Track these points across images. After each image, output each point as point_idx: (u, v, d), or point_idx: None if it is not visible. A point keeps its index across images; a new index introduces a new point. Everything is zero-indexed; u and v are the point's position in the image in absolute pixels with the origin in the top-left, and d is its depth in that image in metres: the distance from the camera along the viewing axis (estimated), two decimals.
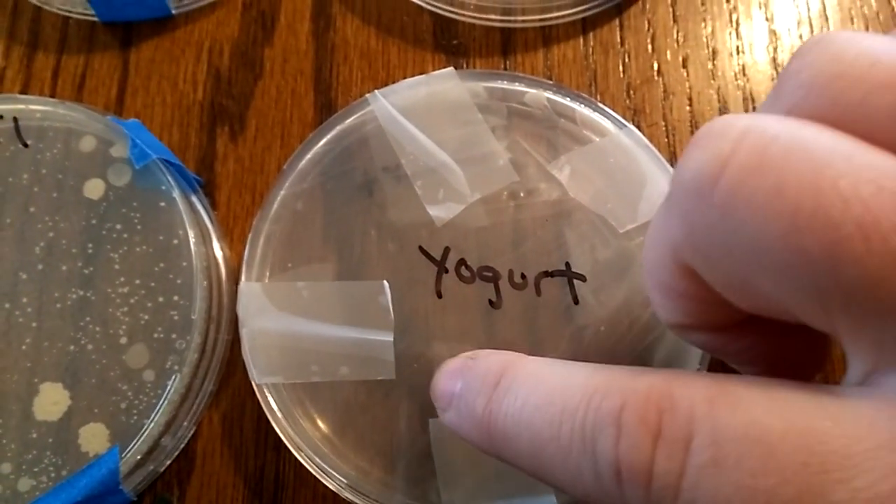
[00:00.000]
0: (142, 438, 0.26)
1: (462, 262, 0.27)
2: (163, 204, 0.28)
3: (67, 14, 0.33)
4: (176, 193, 0.28)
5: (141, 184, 0.29)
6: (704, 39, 0.32)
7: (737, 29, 0.33)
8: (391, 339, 0.26)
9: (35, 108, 0.30)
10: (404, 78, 0.30)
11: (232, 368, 0.28)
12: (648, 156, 0.28)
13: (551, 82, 0.30)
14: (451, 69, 0.29)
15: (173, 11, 0.33)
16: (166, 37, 0.33)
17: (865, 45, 0.15)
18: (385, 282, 0.27)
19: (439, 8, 0.32)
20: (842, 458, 0.13)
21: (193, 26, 0.33)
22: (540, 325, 0.27)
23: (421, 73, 0.30)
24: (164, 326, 0.27)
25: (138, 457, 0.26)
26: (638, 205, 0.27)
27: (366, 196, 0.28)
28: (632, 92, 0.31)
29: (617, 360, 0.26)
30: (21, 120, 0.30)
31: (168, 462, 0.27)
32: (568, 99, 0.29)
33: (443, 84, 0.29)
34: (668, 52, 0.32)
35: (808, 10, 0.33)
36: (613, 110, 0.29)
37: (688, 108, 0.31)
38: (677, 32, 0.32)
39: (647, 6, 0.33)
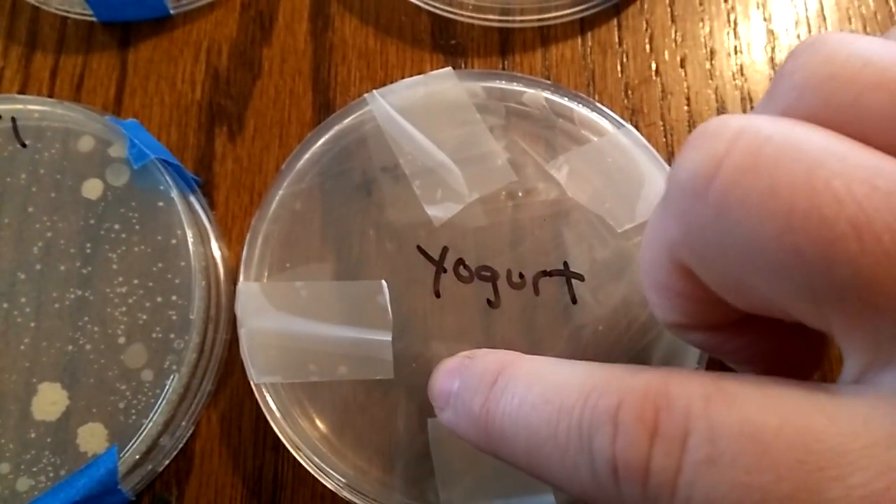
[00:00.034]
0: (140, 438, 0.26)
1: (460, 261, 0.27)
2: (161, 204, 0.28)
3: (66, 14, 0.33)
4: (174, 193, 0.28)
5: (139, 184, 0.29)
6: (702, 39, 0.32)
7: (735, 29, 0.33)
8: (389, 338, 0.26)
9: (33, 108, 0.30)
10: (402, 78, 0.30)
11: (230, 368, 0.28)
12: (646, 155, 0.28)
13: (549, 82, 0.30)
14: (449, 69, 0.30)
15: (171, 11, 0.33)
16: (164, 37, 0.33)
17: (857, 47, 0.15)
18: (383, 281, 0.27)
19: (437, 8, 0.32)
20: (837, 455, 0.13)
21: (192, 26, 0.33)
22: (538, 324, 0.27)
23: (419, 73, 0.30)
24: (162, 326, 0.27)
25: (137, 456, 0.26)
26: (636, 204, 0.27)
27: (364, 196, 0.28)
28: (630, 92, 0.31)
29: (615, 359, 0.26)
30: (19, 120, 0.30)
31: (166, 462, 0.27)
32: (566, 99, 0.29)
33: (441, 84, 0.29)
34: (666, 52, 0.32)
35: (806, 9, 0.33)
36: (611, 110, 0.29)
37: (686, 107, 0.31)
38: (675, 32, 0.33)
39: (645, 6, 0.33)
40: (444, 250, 0.27)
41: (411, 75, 0.30)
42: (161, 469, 0.27)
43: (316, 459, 0.25)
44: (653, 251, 0.18)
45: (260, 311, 0.26)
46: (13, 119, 0.30)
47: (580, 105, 0.29)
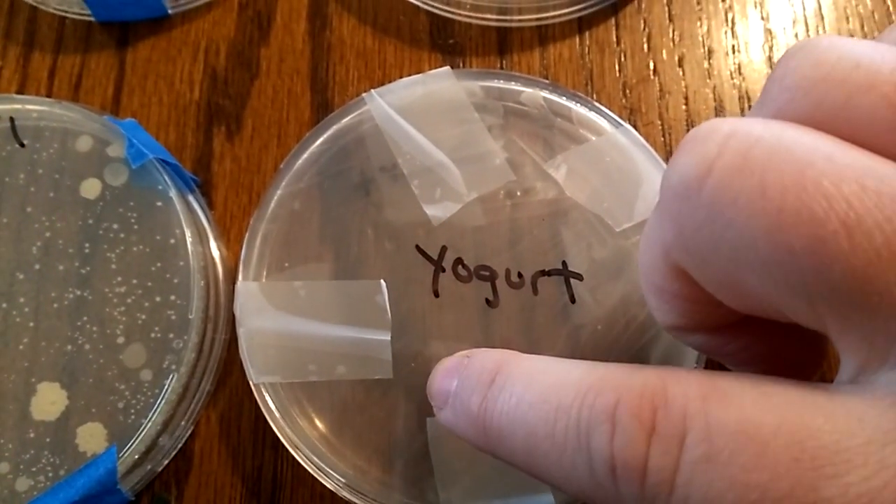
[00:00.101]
0: (139, 438, 0.26)
1: (459, 261, 0.27)
2: (159, 203, 0.28)
3: (64, 14, 0.33)
4: (172, 193, 0.28)
5: (137, 183, 0.29)
6: (700, 39, 0.32)
7: (732, 28, 0.33)
8: (388, 338, 0.26)
9: (31, 107, 0.30)
10: (401, 77, 0.30)
11: (229, 368, 0.28)
12: (644, 155, 0.28)
13: (548, 81, 0.30)
14: (447, 68, 0.30)
15: (170, 11, 0.33)
16: (163, 36, 0.33)
17: (847, 49, 0.16)
18: (382, 281, 0.27)
19: (435, 7, 0.32)
20: (833, 453, 0.13)
21: (190, 26, 0.33)
22: (537, 323, 0.27)
23: (417, 73, 0.30)
24: (161, 326, 0.27)
25: (136, 456, 0.26)
26: (634, 204, 0.27)
27: (363, 195, 0.28)
28: (628, 91, 0.31)
29: (614, 358, 0.26)
30: (17, 120, 0.30)
31: (166, 462, 0.27)
32: (564, 98, 0.29)
33: (439, 83, 0.29)
34: (664, 52, 0.32)
35: (804, 9, 0.33)
36: (610, 109, 0.29)
37: (684, 107, 0.31)
38: (673, 32, 0.33)
39: (643, 5, 0.33)
40: (443, 250, 0.28)
41: (409, 75, 0.30)
42: (160, 469, 0.27)
43: (315, 459, 0.25)
44: (649, 254, 0.18)
45: (259, 311, 0.26)
46: (11, 119, 0.30)
47: (578, 104, 0.29)
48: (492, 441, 0.19)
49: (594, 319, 0.27)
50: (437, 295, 0.27)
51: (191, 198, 0.29)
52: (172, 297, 0.27)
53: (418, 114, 0.29)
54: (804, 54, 0.16)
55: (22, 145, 0.29)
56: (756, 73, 0.32)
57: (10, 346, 0.27)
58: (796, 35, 0.32)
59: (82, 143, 0.29)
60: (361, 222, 0.28)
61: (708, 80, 0.32)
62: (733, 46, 0.32)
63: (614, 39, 0.32)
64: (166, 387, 0.26)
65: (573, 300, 0.27)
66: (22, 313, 0.27)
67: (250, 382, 0.26)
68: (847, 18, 0.33)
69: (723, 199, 0.15)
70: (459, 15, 0.32)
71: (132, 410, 0.26)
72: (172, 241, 0.28)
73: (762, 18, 0.33)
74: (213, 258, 0.29)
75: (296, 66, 0.32)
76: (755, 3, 0.33)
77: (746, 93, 0.31)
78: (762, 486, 0.14)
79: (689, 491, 0.15)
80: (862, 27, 0.32)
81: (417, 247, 0.28)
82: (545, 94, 0.29)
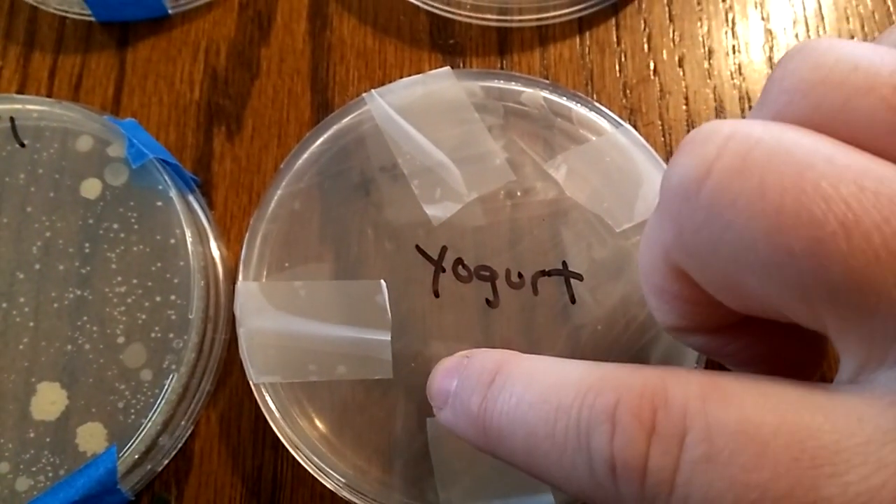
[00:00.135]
0: (139, 438, 0.26)
1: (459, 261, 0.27)
2: (160, 203, 0.28)
3: (64, 14, 0.33)
4: (173, 193, 0.28)
5: (138, 183, 0.29)
6: (700, 39, 0.32)
7: (733, 28, 0.33)
8: (388, 338, 0.26)
9: (32, 107, 0.30)
10: (401, 77, 0.30)
11: (229, 368, 0.28)
12: (645, 155, 0.28)
13: (548, 81, 0.30)
14: (447, 68, 0.30)
15: (170, 11, 0.33)
16: (163, 36, 0.33)
17: (846, 51, 0.16)
18: (382, 281, 0.27)
19: (436, 7, 0.32)
20: (832, 453, 0.13)
21: (190, 26, 0.33)
22: (537, 324, 0.27)
23: (417, 73, 0.30)
24: (161, 326, 0.27)
25: (136, 456, 0.26)
26: (634, 204, 0.27)
27: (363, 195, 0.28)
28: (628, 91, 0.31)
29: (614, 358, 0.26)
30: (18, 120, 0.30)
31: (166, 461, 0.27)
32: (564, 98, 0.29)
33: (439, 83, 0.29)
34: (665, 52, 0.32)
35: (804, 9, 0.33)
36: (610, 109, 0.29)
37: (684, 107, 0.31)
38: (673, 32, 0.33)
39: (644, 6, 0.33)
40: (443, 250, 0.28)
41: (409, 75, 0.30)
42: (160, 469, 0.27)
43: (315, 459, 0.25)
44: (649, 255, 0.18)
45: (259, 311, 0.26)
46: (12, 119, 0.30)
47: (578, 104, 0.29)
48: (492, 441, 0.19)
49: (594, 320, 0.27)
50: (437, 295, 0.27)
51: (191, 198, 0.29)
52: (172, 297, 0.27)
53: (418, 114, 0.29)
54: (803, 56, 0.16)
55: (22, 145, 0.29)
56: (756, 74, 0.32)
57: (10, 346, 0.27)
58: (797, 35, 0.32)
59: (82, 143, 0.30)
60: (361, 222, 0.28)
61: (708, 81, 0.32)
62: (734, 47, 0.32)
63: (615, 39, 0.32)
64: (166, 387, 0.26)
65: (573, 300, 0.27)
66: (22, 313, 0.27)
67: (250, 382, 0.26)
68: (847, 19, 0.33)
69: (722, 201, 0.15)
70: (460, 15, 0.32)
71: (132, 410, 0.26)
72: (173, 240, 0.28)
73: (762, 19, 0.33)
74: (213, 258, 0.29)
75: (296, 66, 0.32)
76: (755, 3, 0.33)
77: (747, 93, 0.31)
78: (762, 485, 0.14)
79: (690, 490, 0.15)
80: (862, 27, 0.32)
81: (417, 247, 0.28)
82: (545, 94, 0.29)
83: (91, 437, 0.26)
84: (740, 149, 0.15)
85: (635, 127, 0.30)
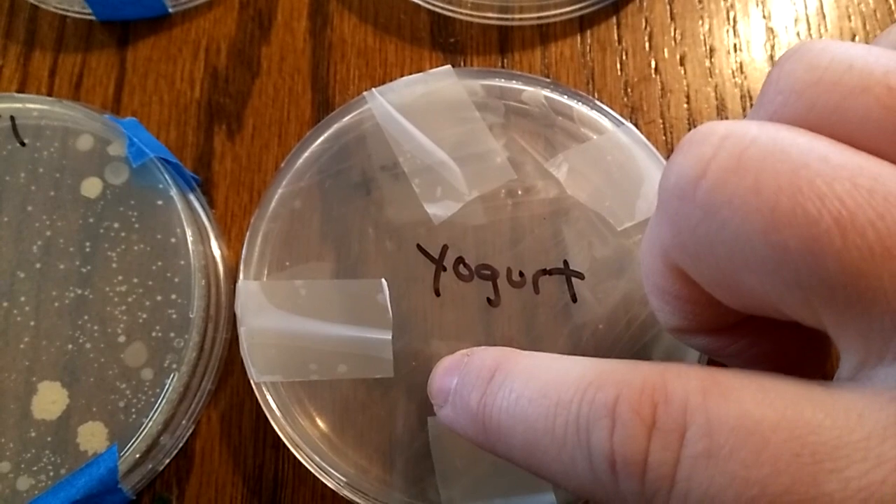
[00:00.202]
0: (140, 437, 0.26)
1: (460, 260, 0.27)
2: (160, 202, 0.28)
3: (64, 13, 0.33)
4: (173, 192, 0.28)
5: (138, 182, 0.29)
6: (702, 37, 0.32)
7: (734, 27, 0.33)
8: (389, 337, 0.26)
9: (32, 106, 0.30)
10: (402, 76, 0.30)
11: (230, 367, 0.28)
12: (646, 153, 0.28)
13: (549, 80, 0.30)
14: (448, 67, 0.29)
15: (170, 10, 0.33)
16: (163, 35, 0.33)
17: (840, 52, 0.16)
18: (383, 280, 0.27)
19: (436, 6, 0.32)
20: (833, 448, 0.13)
21: (190, 25, 0.33)
22: (538, 323, 0.27)
23: (418, 71, 0.30)
24: (162, 325, 0.27)
25: (137, 455, 0.26)
26: (636, 202, 0.27)
27: (363, 194, 0.28)
28: (629, 89, 0.31)
29: (615, 357, 0.26)
30: (18, 119, 0.30)
31: (167, 461, 0.27)
32: (565, 97, 0.29)
33: (440, 82, 0.29)
34: (666, 50, 0.32)
35: (806, 7, 0.33)
36: (611, 108, 0.29)
37: (685, 105, 0.31)
38: (675, 30, 0.32)
39: (645, 4, 0.33)
40: (444, 249, 0.27)
41: (410, 73, 0.30)
42: (161, 468, 0.27)
43: (316, 458, 0.25)
44: (650, 255, 0.18)
45: (260, 310, 0.26)
46: (12, 118, 0.30)
47: (579, 103, 0.29)
48: (491, 437, 0.19)
49: (596, 318, 0.27)
50: (438, 294, 0.27)
51: (191, 197, 0.29)
52: (173, 296, 0.27)
53: (419, 112, 0.29)
54: (798, 57, 0.16)
55: (23, 144, 0.29)
56: (758, 72, 0.32)
57: (10, 345, 0.27)
58: (798, 34, 0.32)
59: (83, 142, 0.29)
60: (362, 221, 0.28)
61: (709, 79, 0.32)
62: (735, 45, 0.32)
63: (616, 38, 0.32)
64: (167, 386, 0.26)
65: (574, 299, 0.27)
66: (23, 312, 0.27)
67: (251, 381, 0.26)
68: (849, 17, 0.33)
69: (718, 199, 0.15)
70: (460, 14, 0.32)
71: (133, 409, 0.26)
72: (173, 239, 0.28)
73: (764, 17, 0.33)
74: (213, 257, 0.29)
75: (297, 65, 0.32)
76: (757, 1, 0.33)
77: (748, 91, 0.31)
78: (762, 481, 0.14)
79: (690, 486, 0.15)
80: (864, 25, 0.32)
81: (418, 246, 0.28)
82: (546, 92, 0.29)
83: (92, 437, 0.26)
84: (736, 148, 0.15)
85: (636, 125, 0.30)
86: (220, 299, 0.28)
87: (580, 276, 0.27)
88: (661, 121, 0.31)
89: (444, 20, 0.33)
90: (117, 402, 0.26)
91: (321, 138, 0.29)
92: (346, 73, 0.32)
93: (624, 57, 0.32)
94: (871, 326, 0.14)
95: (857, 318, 0.14)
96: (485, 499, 0.25)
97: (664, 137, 0.31)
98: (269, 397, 0.26)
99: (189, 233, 0.28)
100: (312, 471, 0.25)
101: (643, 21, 0.33)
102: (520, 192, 0.28)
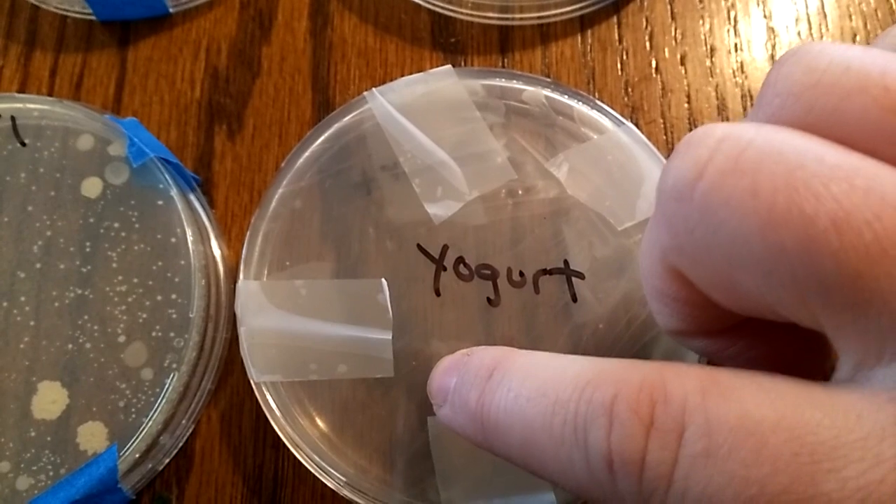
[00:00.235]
0: (140, 437, 0.26)
1: (460, 260, 0.27)
2: (160, 202, 0.28)
3: (65, 13, 0.33)
4: (174, 192, 0.28)
5: (139, 182, 0.29)
6: (702, 37, 0.32)
7: (735, 26, 0.33)
8: (390, 337, 0.26)
9: (33, 106, 0.30)
10: (402, 76, 0.30)
11: (230, 367, 0.28)
12: (647, 153, 0.28)
13: (549, 80, 0.30)
14: (448, 67, 0.29)
15: (171, 10, 0.33)
16: (164, 35, 0.33)
17: (837, 54, 0.16)
18: (383, 280, 0.27)
19: (437, 6, 0.32)
20: (831, 448, 0.14)
21: (191, 25, 0.33)
22: (538, 322, 0.27)
23: (419, 71, 0.30)
24: (162, 325, 0.27)
25: (137, 455, 0.26)
26: (636, 202, 0.27)
27: (364, 194, 0.28)
28: (630, 89, 0.31)
29: (615, 357, 0.26)
30: (19, 119, 0.30)
31: (167, 460, 0.27)
32: (566, 96, 0.29)
33: (440, 82, 0.29)
34: (667, 50, 0.32)
35: (807, 7, 0.33)
36: (611, 108, 0.29)
37: (686, 105, 0.31)
38: (675, 30, 0.32)
39: (645, 4, 0.33)
40: (444, 248, 0.27)
41: (411, 73, 0.30)
42: (161, 468, 0.27)
43: (316, 458, 0.25)
44: (648, 258, 0.18)
45: (260, 310, 0.26)
46: (12, 118, 0.30)
47: (580, 103, 0.29)
48: (489, 436, 0.19)
49: (596, 318, 0.27)
50: (438, 294, 0.27)
51: (192, 196, 0.29)
52: (173, 296, 0.27)
53: (420, 112, 0.29)
54: (795, 60, 0.16)
55: (23, 144, 0.29)
56: (758, 72, 0.32)
57: (10, 345, 0.27)
58: (799, 33, 0.32)
59: (83, 142, 0.29)
60: (363, 221, 0.28)
61: (710, 79, 0.32)
62: (736, 45, 0.32)
63: (616, 38, 0.32)
64: (167, 386, 0.26)
65: (575, 299, 0.27)
66: (23, 312, 0.27)
67: (251, 381, 0.26)
68: (850, 16, 0.33)
69: (715, 200, 0.15)
70: (461, 13, 0.32)
71: (133, 409, 0.26)
72: (173, 239, 0.28)
73: (765, 16, 0.33)
74: (214, 257, 0.29)
75: (297, 65, 0.32)
76: (757, 1, 0.33)
77: (749, 91, 0.31)
78: (761, 480, 0.14)
79: (688, 485, 0.15)
80: (865, 25, 0.32)
81: (419, 245, 0.28)
82: (547, 92, 0.29)
83: (92, 436, 0.26)
84: (733, 151, 0.15)
85: (637, 125, 0.30)
86: (220, 299, 0.28)
87: (580, 275, 0.27)
88: (661, 120, 0.31)
89: (445, 20, 0.33)
90: (117, 401, 0.26)
91: (321, 138, 0.29)
92: (346, 72, 0.32)
93: (624, 56, 0.32)
94: (869, 327, 0.14)
95: (855, 318, 0.14)
96: (485, 499, 0.25)
97: (665, 137, 0.31)
98: (269, 397, 0.26)
99: (189, 233, 0.28)
100: (312, 471, 0.25)
101: (644, 21, 0.33)
102: (520, 192, 0.28)
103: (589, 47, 0.32)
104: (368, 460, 0.26)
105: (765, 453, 0.14)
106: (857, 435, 0.13)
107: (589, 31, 0.32)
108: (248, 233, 0.28)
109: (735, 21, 0.33)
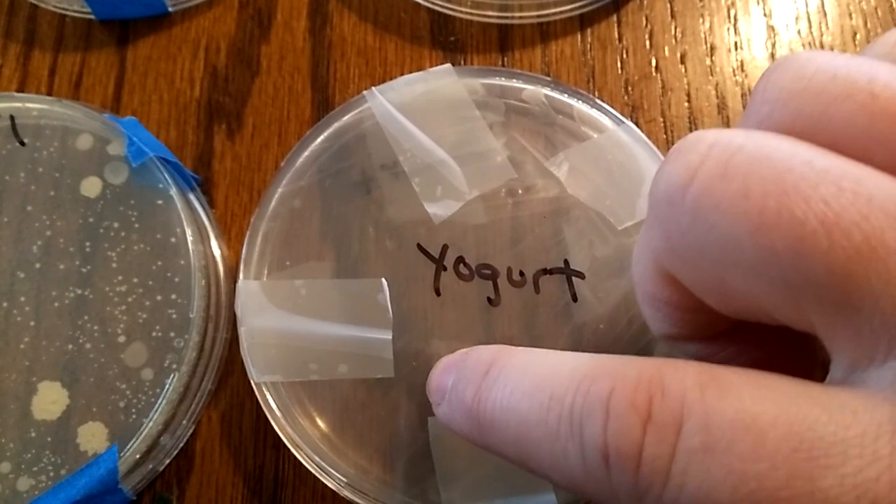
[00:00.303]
0: (141, 437, 0.26)
1: (460, 259, 0.27)
2: (160, 202, 0.28)
3: (64, 12, 0.33)
4: (173, 191, 0.28)
5: (138, 182, 0.29)
6: (702, 35, 0.32)
7: (735, 25, 0.32)
8: (390, 337, 0.26)
9: (32, 106, 0.30)
10: (401, 75, 0.30)
11: (230, 367, 0.28)
12: (647, 152, 0.28)
13: (549, 79, 0.30)
14: (448, 66, 0.29)
15: (170, 9, 0.33)
16: (163, 34, 0.33)
17: (825, 62, 0.16)
18: (383, 279, 0.27)
19: (436, 4, 0.32)
20: (830, 444, 0.14)
21: (190, 24, 0.33)
22: (538, 322, 0.27)
23: (418, 70, 0.30)
24: (162, 325, 0.27)
25: (137, 456, 0.26)
26: (636, 201, 0.27)
27: (364, 193, 0.28)
28: (630, 88, 0.31)
29: None
30: (18, 118, 0.30)
31: (167, 461, 0.27)
32: (566, 95, 0.29)
33: (440, 81, 0.29)
34: (666, 49, 0.32)
35: (807, 5, 0.33)
36: (611, 107, 0.29)
37: (686, 104, 0.31)
38: (675, 28, 0.32)
39: (645, 2, 0.33)
40: (444, 248, 0.27)
41: (410, 72, 0.30)
42: (162, 468, 0.27)
43: (317, 458, 0.25)
44: (641, 263, 0.19)
45: (260, 310, 0.26)
46: (12, 117, 0.30)
47: (580, 101, 0.29)
48: (485, 433, 0.19)
49: (596, 318, 0.27)
50: (438, 293, 0.27)
51: (191, 196, 0.29)
52: (173, 296, 0.27)
53: (419, 111, 0.29)
54: (784, 68, 0.17)
55: (22, 144, 0.29)
56: (758, 70, 0.32)
57: (10, 346, 0.27)
58: (799, 32, 0.32)
59: (83, 142, 0.29)
60: (362, 220, 0.28)
61: (710, 77, 0.32)
62: (736, 43, 0.32)
63: (616, 36, 0.32)
64: (167, 386, 0.26)
65: (575, 299, 0.27)
66: (23, 312, 0.27)
67: (251, 381, 0.26)
68: (850, 15, 0.32)
69: (706, 204, 0.15)
70: (460, 12, 0.32)
71: (133, 410, 0.26)
72: (173, 239, 0.28)
73: (765, 15, 0.33)
74: (213, 257, 0.28)
75: (296, 64, 0.32)
76: None
77: (749, 90, 0.31)
78: (759, 475, 0.14)
79: (685, 480, 0.15)
80: (865, 23, 0.32)
81: (419, 245, 0.28)
82: (547, 91, 0.29)
83: (92, 437, 0.26)
84: (723, 156, 0.15)
85: (637, 124, 0.30)
86: (220, 299, 0.28)
87: (581, 275, 0.27)
88: (661, 119, 0.31)
89: (444, 19, 0.33)
90: (117, 402, 0.26)
91: (321, 137, 0.29)
92: (345, 71, 0.32)
93: (624, 55, 0.32)
94: (861, 327, 0.14)
95: (847, 319, 0.14)
96: (485, 499, 0.25)
97: (665, 136, 0.31)
98: (269, 397, 0.26)
99: (189, 232, 0.28)
100: (313, 471, 0.25)
101: (644, 19, 0.33)
102: (520, 191, 0.28)
103: (589, 46, 0.32)
104: (369, 461, 0.26)
105: (763, 449, 0.14)
106: (854, 431, 0.14)
107: (589, 30, 0.32)
108: (247, 232, 0.28)
109: (735, 19, 0.33)
